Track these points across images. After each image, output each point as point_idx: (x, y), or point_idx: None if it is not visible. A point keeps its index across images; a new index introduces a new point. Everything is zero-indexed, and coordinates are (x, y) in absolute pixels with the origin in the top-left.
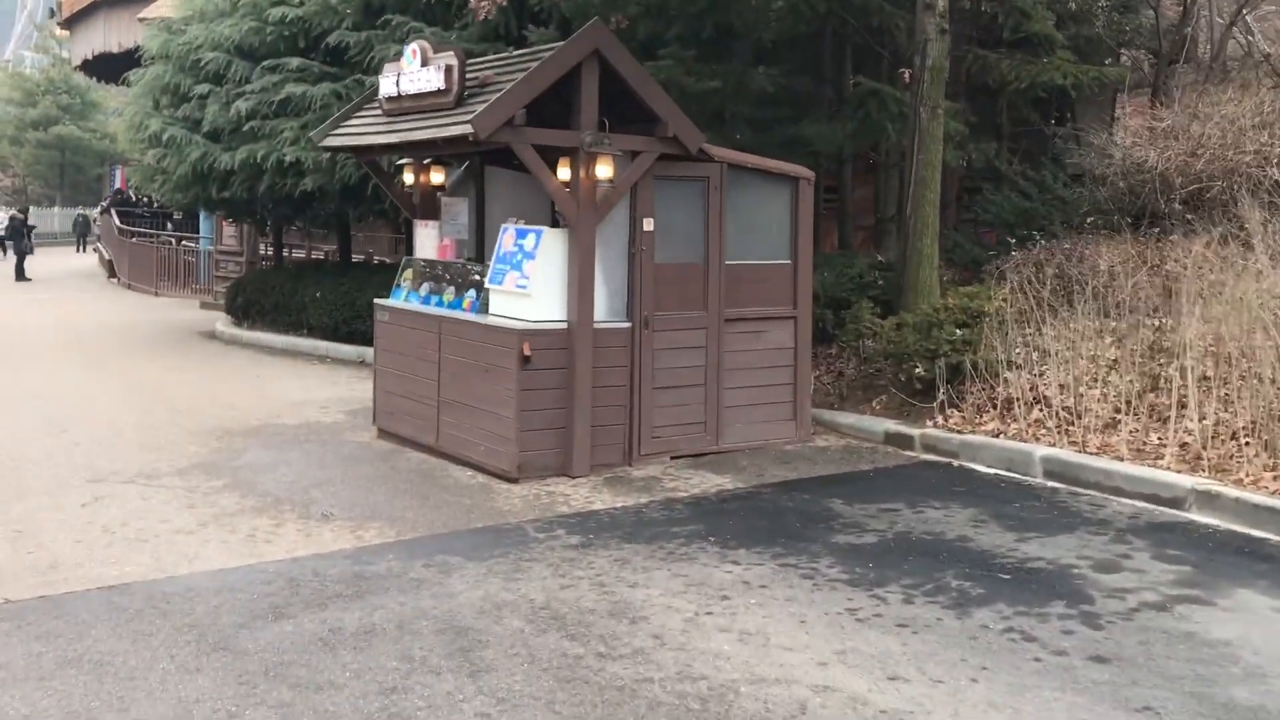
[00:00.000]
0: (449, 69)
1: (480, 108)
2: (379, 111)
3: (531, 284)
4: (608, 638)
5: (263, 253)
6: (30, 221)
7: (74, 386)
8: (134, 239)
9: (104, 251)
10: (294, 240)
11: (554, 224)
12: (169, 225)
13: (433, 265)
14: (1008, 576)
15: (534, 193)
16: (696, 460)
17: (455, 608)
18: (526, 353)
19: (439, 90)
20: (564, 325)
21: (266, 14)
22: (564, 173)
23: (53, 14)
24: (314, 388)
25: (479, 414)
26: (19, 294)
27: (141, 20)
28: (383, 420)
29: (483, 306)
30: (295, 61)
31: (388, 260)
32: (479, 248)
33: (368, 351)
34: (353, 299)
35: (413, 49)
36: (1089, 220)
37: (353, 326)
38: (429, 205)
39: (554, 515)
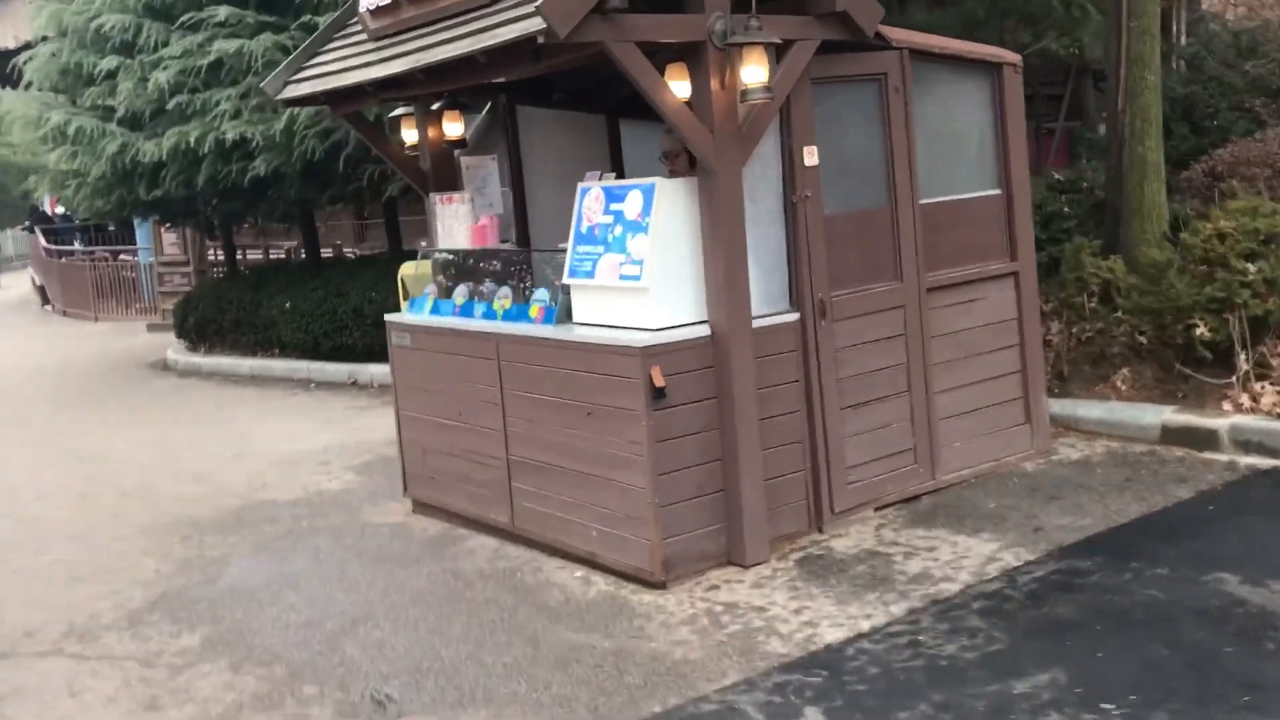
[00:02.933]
0: None
1: None
2: (360, 37)
3: (647, 271)
4: None
5: (212, 259)
6: None
7: None
8: (63, 259)
9: (35, 276)
10: (245, 240)
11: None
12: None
13: (467, 258)
14: None
15: (587, 142)
16: (914, 509)
17: None
18: (659, 383)
19: None
20: (704, 331)
21: None
22: (679, 88)
23: None
24: (303, 431)
25: (582, 480)
26: None
27: (33, 1)
28: (418, 488)
29: (562, 314)
30: (223, 11)
31: (361, 253)
32: (519, 228)
33: (361, 369)
34: (333, 307)
35: None
36: (1259, 102)
37: (337, 340)
38: (445, 171)
39: (769, 665)
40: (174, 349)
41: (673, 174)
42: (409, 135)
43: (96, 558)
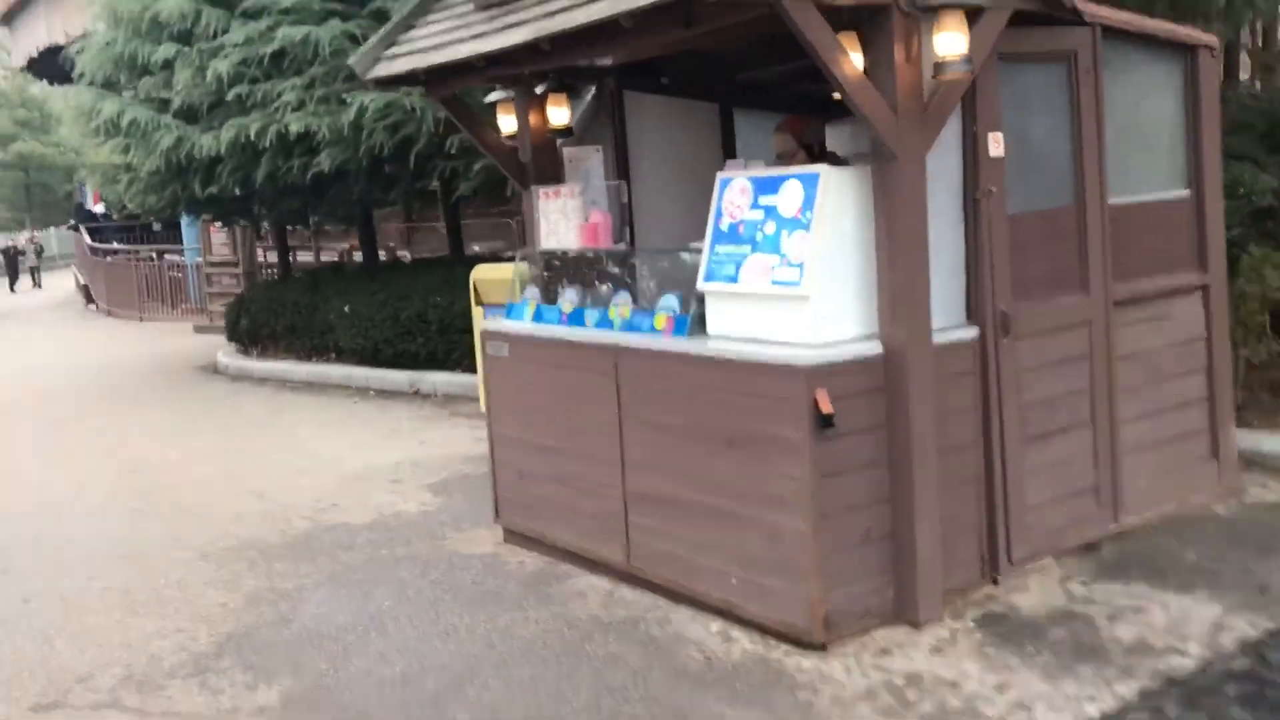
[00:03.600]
0: None
1: None
2: (464, 8)
3: (808, 275)
4: None
5: (262, 260)
6: None
7: (32, 475)
8: (109, 258)
9: (79, 275)
10: (295, 242)
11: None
12: (148, 237)
13: (577, 259)
14: None
15: (698, 131)
16: (1098, 558)
17: None
18: (826, 409)
19: None
20: (875, 348)
21: None
22: (857, 59)
23: None
24: (369, 442)
25: (718, 518)
26: None
27: None
28: (512, 515)
29: (695, 324)
30: None
31: (410, 256)
32: (626, 226)
33: (424, 377)
34: (394, 311)
35: None
36: None
37: (398, 346)
38: (546, 162)
39: None
40: (225, 352)
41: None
42: (507, 123)
43: (154, 585)
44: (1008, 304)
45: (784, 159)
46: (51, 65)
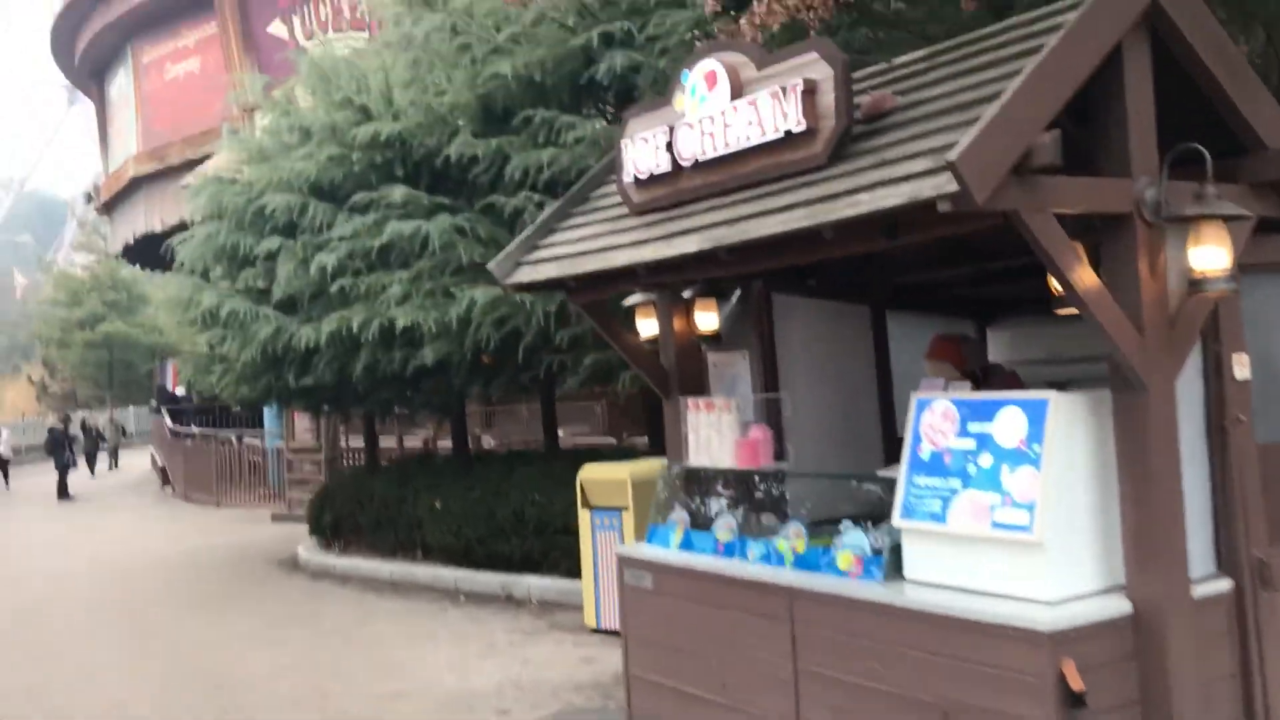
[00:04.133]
0: (811, 91)
1: (965, 142)
2: (614, 211)
3: (1040, 518)
4: None
5: (344, 445)
6: (72, 431)
7: (109, 689)
8: (188, 441)
9: (157, 456)
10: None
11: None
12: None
13: (732, 481)
14: None
15: (849, 337)
16: None
17: None
18: (1077, 685)
19: (787, 136)
20: (1124, 606)
21: (352, 135)
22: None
23: (89, 199)
24: (466, 661)
25: None
26: (57, 519)
27: (186, 187)
28: None
29: (891, 566)
30: (399, 192)
31: (495, 440)
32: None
33: (516, 581)
34: (490, 509)
35: (704, 72)
36: None
37: (491, 547)
38: (689, 368)
39: None
40: (306, 546)
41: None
42: (647, 327)
43: None
44: (1264, 550)
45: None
46: (143, 251)
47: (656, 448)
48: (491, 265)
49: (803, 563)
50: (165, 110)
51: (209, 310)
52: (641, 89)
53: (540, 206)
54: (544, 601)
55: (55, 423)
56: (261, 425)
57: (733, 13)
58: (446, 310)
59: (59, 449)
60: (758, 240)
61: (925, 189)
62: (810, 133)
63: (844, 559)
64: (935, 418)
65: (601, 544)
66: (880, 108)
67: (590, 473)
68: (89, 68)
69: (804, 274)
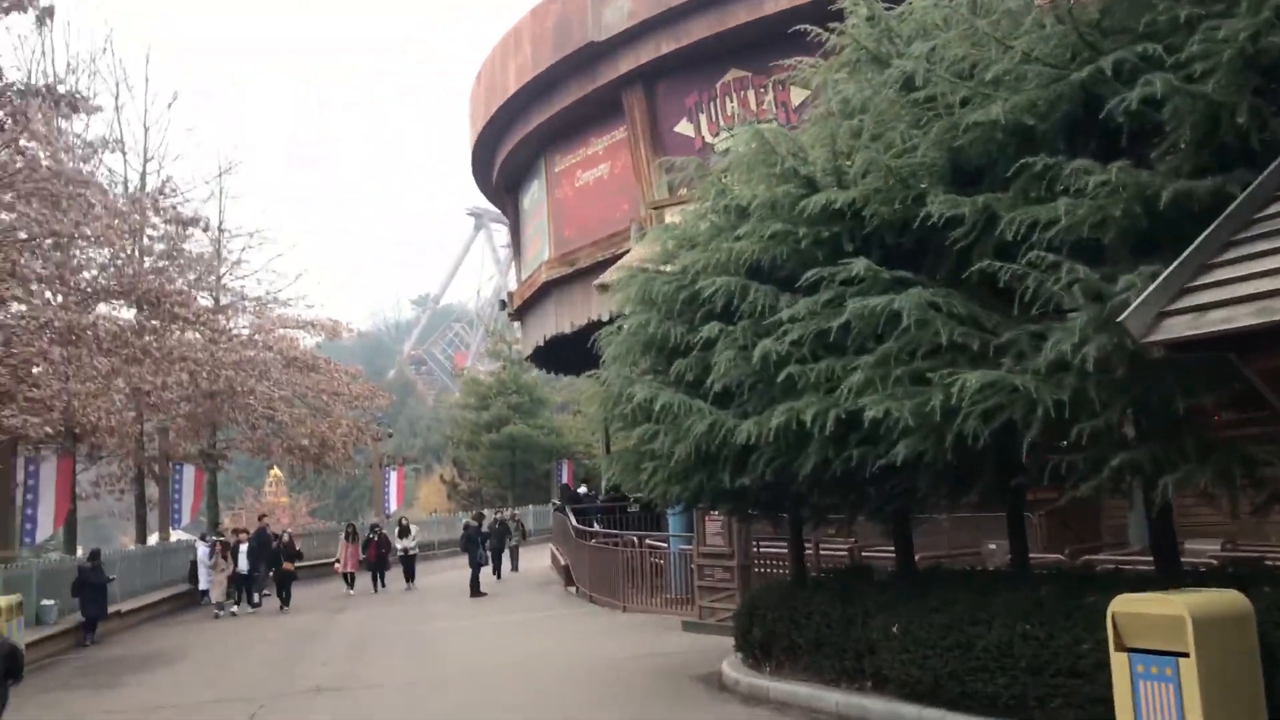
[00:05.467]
0: None
1: None
2: None
3: None
4: None
5: (758, 552)
6: (483, 528)
7: None
8: (592, 541)
9: (559, 555)
10: (774, 532)
11: None
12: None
13: None
14: None
15: None
16: None
17: None
18: None
19: None
20: None
21: (800, 208)
22: None
23: (503, 305)
24: None
25: None
26: (471, 617)
27: (599, 287)
28: None
29: None
30: (859, 265)
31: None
32: None
33: None
34: (966, 638)
35: None
36: None
37: (968, 684)
38: None
39: None
40: (730, 663)
41: None
42: None
43: None
44: None
45: None
46: (551, 356)
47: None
48: (1125, 317)
49: None
50: (575, 216)
51: (641, 404)
52: (1169, 120)
53: (1048, 270)
54: None
55: (470, 519)
56: (658, 527)
57: None
58: (927, 398)
59: (473, 545)
60: None
61: None
62: None
63: None
64: None
65: (1147, 698)
66: None
67: (1128, 605)
68: (505, 181)
69: None
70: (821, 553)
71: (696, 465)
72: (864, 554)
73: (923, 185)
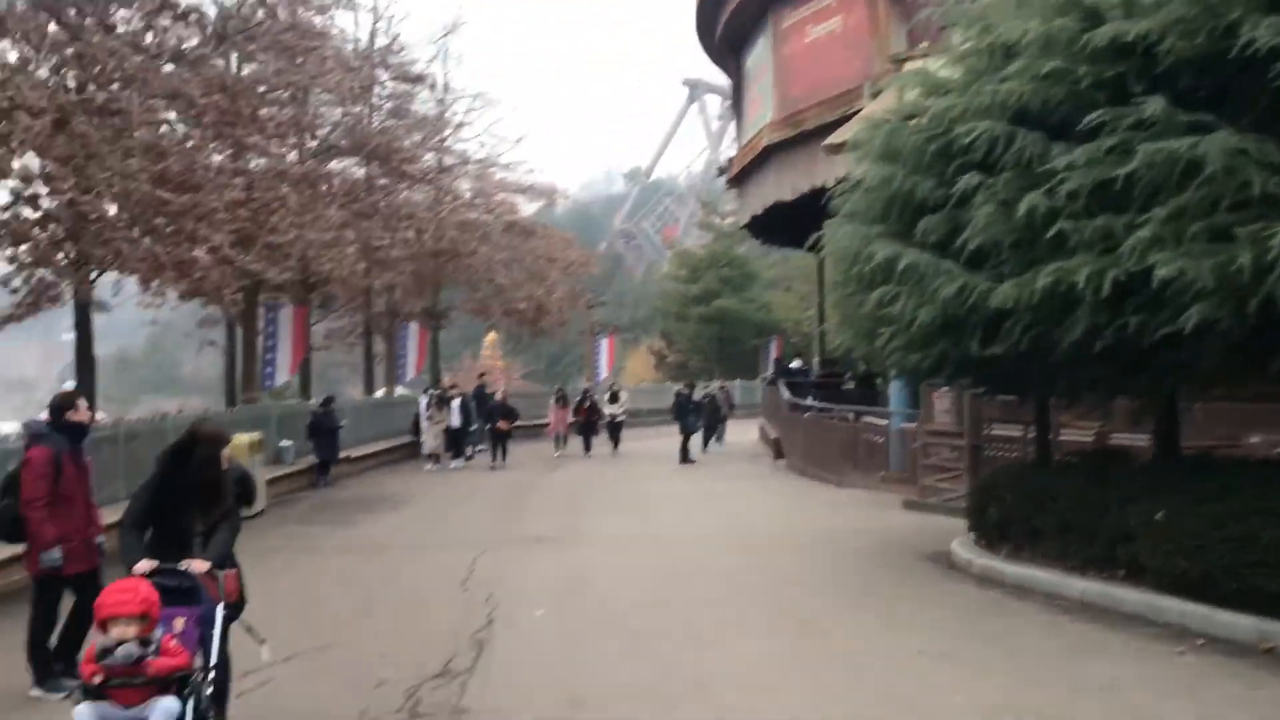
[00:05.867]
0: None
1: None
2: None
3: None
4: None
5: (988, 433)
6: (695, 397)
7: (780, 710)
8: (806, 415)
9: (768, 430)
10: (1001, 415)
11: None
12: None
13: None
14: None
15: None
16: None
17: None
18: None
19: None
20: None
21: (1083, 42)
22: None
23: (721, 172)
24: None
25: None
26: (684, 480)
27: (827, 148)
28: None
29: None
30: (1153, 105)
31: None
32: None
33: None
34: (1249, 529)
35: None
36: None
37: (1247, 580)
38: None
39: None
40: (961, 543)
41: None
42: None
43: None
44: None
45: None
46: (770, 225)
47: None
48: None
49: None
50: (803, 74)
51: (883, 264)
52: None
53: None
54: None
55: (682, 388)
56: (874, 403)
57: None
58: (1233, 257)
59: (684, 413)
60: None
61: None
62: None
63: None
64: None
65: None
66: None
67: None
68: (729, 39)
69: None
70: (1060, 438)
71: (941, 332)
72: (1160, 445)
73: (1236, 13)
